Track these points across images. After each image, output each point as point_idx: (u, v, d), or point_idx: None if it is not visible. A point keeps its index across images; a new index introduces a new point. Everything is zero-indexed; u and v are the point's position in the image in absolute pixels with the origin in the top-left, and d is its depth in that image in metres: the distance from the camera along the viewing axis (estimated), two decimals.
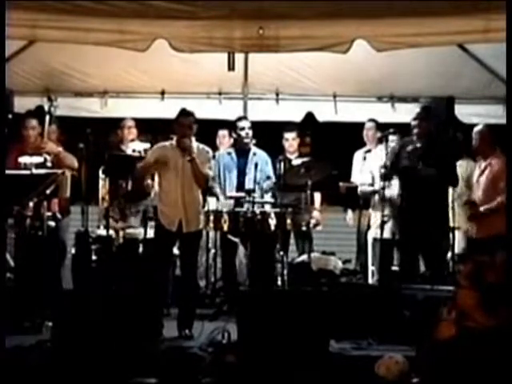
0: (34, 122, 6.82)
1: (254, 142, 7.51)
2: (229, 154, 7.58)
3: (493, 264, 4.63)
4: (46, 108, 6.77)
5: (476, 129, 7.09)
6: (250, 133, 7.42)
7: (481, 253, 5.22)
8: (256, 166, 7.31)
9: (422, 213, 6.68)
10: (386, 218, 6.99)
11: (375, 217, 7.30)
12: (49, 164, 6.52)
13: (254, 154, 7.46)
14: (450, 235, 7.11)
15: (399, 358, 5.10)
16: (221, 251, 7.41)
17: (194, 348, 5.56)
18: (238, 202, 7.12)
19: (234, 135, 7.51)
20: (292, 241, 7.68)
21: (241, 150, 7.49)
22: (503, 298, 4.50)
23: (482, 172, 6.99)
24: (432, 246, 6.78)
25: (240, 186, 7.34)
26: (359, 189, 7.67)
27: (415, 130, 6.89)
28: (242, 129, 7.42)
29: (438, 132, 7.22)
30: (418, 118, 6.91)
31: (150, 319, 5.75)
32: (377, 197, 7.35)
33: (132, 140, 7.76)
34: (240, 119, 7.56)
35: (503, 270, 4.55)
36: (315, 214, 7.72)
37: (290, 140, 7.80)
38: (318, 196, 7.76)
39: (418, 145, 6.88)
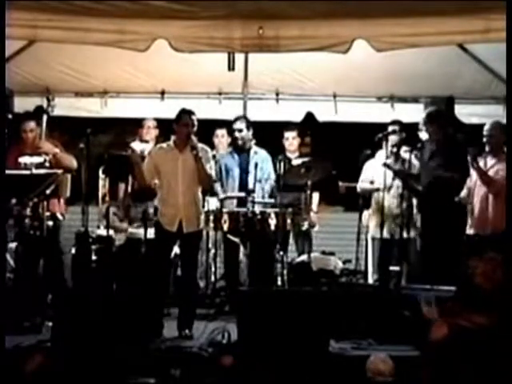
0: (32, 125, 6.70)
1: (253, 141, 7.50)
2: (230, 153, 7.58)
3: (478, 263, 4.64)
4: (45, 108, 6.75)
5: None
6: (246, 133, 7.40)
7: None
8: (256, 165, 7.30)
9: (442, 216, 6.66)
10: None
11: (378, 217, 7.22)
12: (47, 164, 6.48)
13: (255, 153, 7.45)
14: None
15: (384, 357, 5.11)
16: (224, 251, 7.37)
17: (193, 348, 5.57)
18: (241, 201, 7.11)
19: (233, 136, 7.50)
20: (291, 241, 7.66)
21: (241, 150, 7.48)
22: (486, 299, 4.51)
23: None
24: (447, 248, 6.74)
25: (242, 185, 7.34)
26: (359, 185, 7.56)
27: (428, 135, 6.79)
28: (240, 131, 7.41)
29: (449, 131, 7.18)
30: (428, 123, 6.82)
31: (150, 319, 5.76)
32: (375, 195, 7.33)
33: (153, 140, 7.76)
34: (235, 121, 7.52)
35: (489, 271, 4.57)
36: (311, 215, 7.68)
37: (290, 139, 7.77)
38: (315, 197, 7.71)
39: (433, 148, 6.79)
